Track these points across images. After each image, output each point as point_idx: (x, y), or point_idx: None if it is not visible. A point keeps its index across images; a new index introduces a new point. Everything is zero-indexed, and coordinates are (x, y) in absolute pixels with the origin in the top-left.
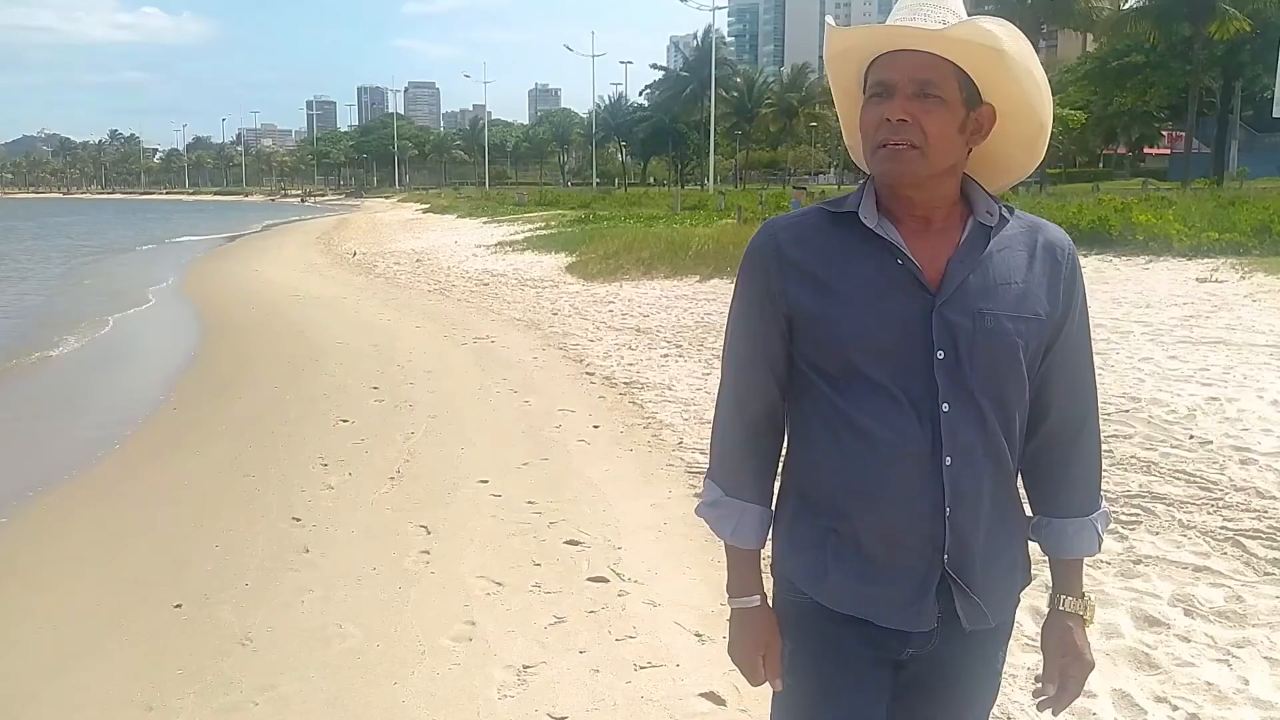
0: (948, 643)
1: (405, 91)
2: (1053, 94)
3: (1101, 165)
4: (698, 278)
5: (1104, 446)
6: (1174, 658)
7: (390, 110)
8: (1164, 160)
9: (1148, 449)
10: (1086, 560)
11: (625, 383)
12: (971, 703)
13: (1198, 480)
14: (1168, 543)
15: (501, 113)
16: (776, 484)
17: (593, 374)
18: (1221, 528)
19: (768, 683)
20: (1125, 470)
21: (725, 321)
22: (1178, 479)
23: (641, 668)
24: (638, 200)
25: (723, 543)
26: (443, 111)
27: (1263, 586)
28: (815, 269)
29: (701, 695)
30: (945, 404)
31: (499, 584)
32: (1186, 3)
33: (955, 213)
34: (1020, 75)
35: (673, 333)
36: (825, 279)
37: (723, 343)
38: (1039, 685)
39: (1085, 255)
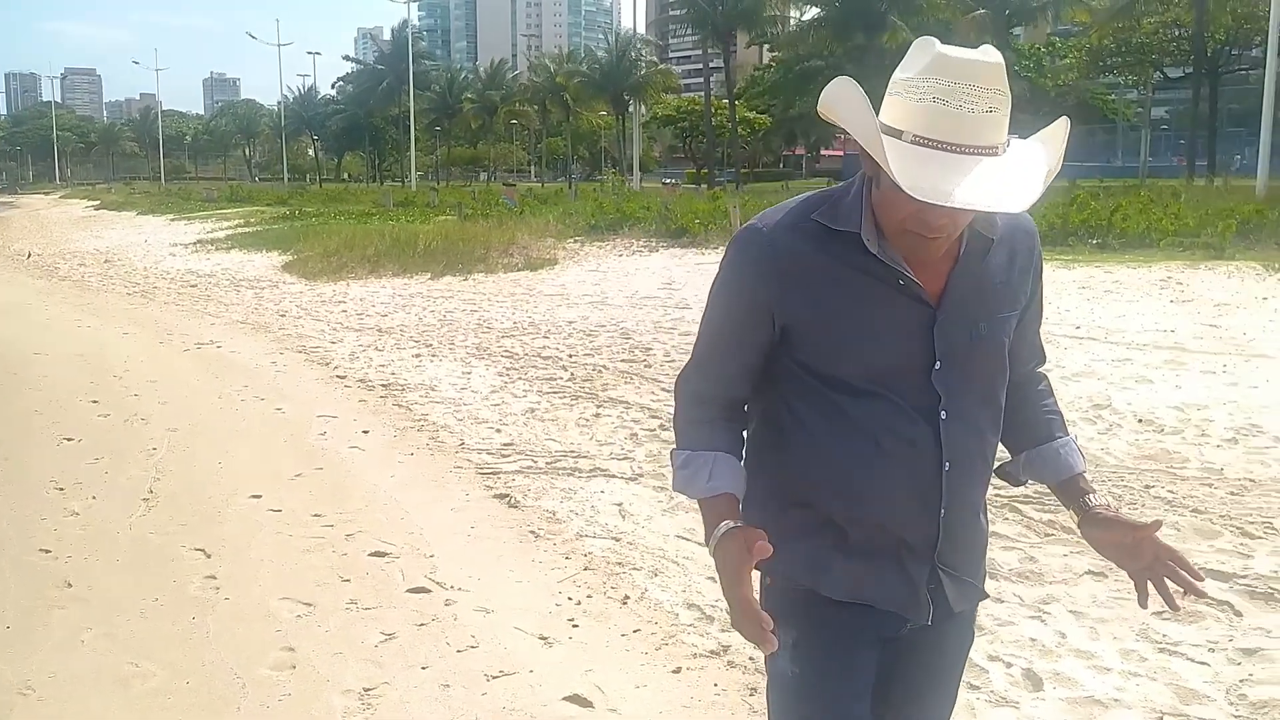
0: (937, 612)
1: (62, 79)
2: (739, 98)
3: (782, 165)
4: (429, 275)
5: None
6: (995, 619)
7: (46, 98)
8: (838, 161)
9: None
10: None
11: (383, 385)
12: (954, 663)
13: None
14: None
15: (173, 103)
16: (760, 482)
17: (344, 377)
18: (994, 495)
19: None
20: None
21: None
22: None
23: (494, 678)
24: (340, 196)
25: (692, 504)
26: (106, 100)
27: (1048, 546)
28: (813, 284)
29: (566, 699)
30: (944, 411)
31: (309, 605)
32: (861, 15)
33: None
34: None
35: (418, 332)
36: (824, 296)
37: (699, 330)
38: (1143, 593)
39: None
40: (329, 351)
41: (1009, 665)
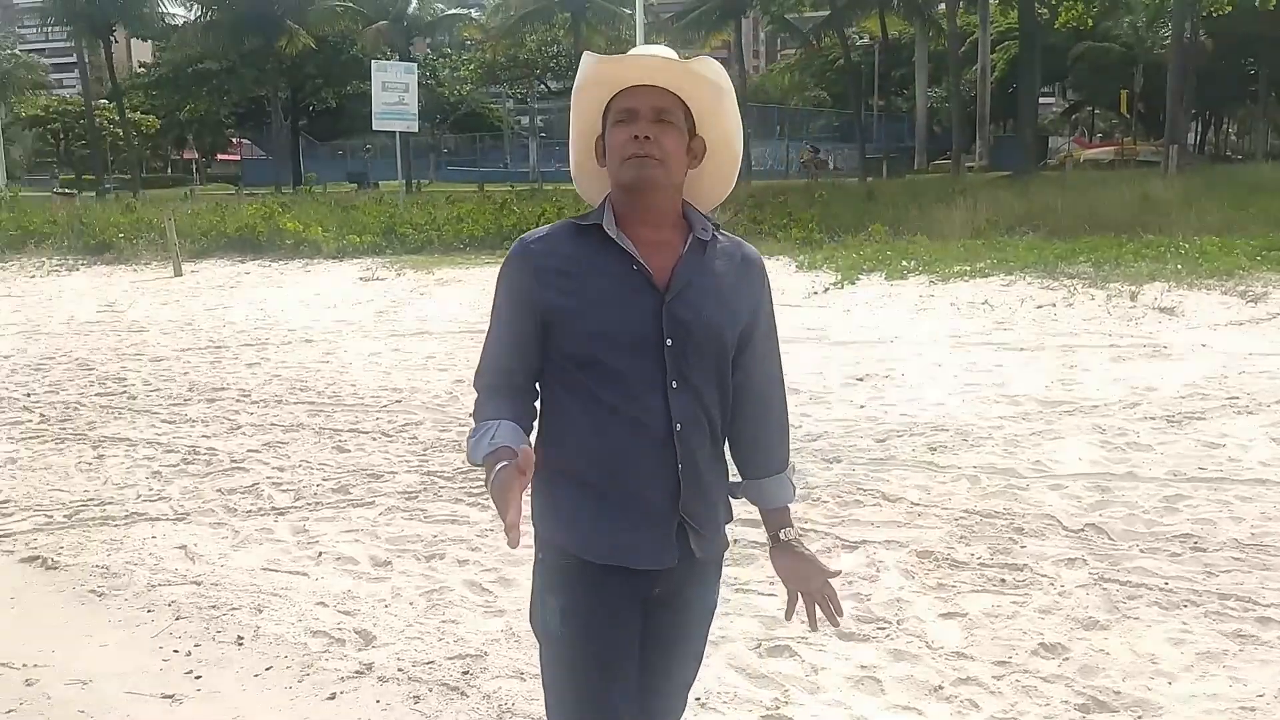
0: (683, 576)
1: None
2: (124, 99)
3: (171, 170)
4: None
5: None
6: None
7: None
8: (234, 166)
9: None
10: (329, 533)
11: None
12: (701, 626)
13: None
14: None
15: None
16: (540, 467)
17: None
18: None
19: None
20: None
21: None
22: None
23: None
24: None
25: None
26: None
27: (435, 506)
28: (566, 270)
29: None
30: (673, 382)
31: None
32: (256, 19)
33: (679, 227)
34: (728, 111)
35: None
36: (574, 278)
37: (486, 336)
38: (803, 620)
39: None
40: None
41: None
